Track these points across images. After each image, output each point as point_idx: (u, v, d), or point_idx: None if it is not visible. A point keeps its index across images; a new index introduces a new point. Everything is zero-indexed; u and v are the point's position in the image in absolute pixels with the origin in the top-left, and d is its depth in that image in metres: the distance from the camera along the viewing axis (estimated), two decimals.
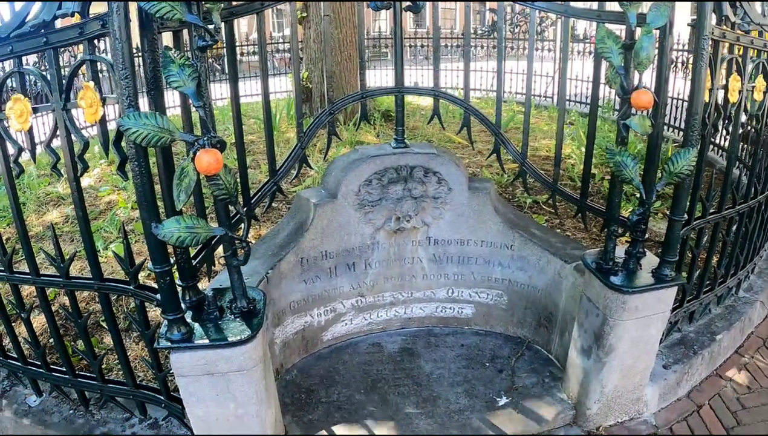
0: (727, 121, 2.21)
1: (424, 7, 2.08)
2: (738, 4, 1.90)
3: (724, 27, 1.87)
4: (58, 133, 1.74)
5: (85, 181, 4.87)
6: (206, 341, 1.60)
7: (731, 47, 2.07)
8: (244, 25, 22.31)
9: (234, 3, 1.92)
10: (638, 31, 1.65)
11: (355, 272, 2.36)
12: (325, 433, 2.02)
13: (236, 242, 1.67)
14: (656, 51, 1.75)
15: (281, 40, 13.72)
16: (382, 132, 5.25)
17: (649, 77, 1.74)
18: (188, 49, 1.64)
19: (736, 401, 2.45)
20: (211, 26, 1.49)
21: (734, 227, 2.58)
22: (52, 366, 2.11)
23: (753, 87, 2.31)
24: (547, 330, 2.39)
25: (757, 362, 2.72)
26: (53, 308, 2.26)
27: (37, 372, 2.10)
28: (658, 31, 1.74)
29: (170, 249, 1.61)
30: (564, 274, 2.22)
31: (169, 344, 1.60)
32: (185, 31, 1.87)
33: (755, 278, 3.16)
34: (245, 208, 2.12)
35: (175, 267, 1.69)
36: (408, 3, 2.05)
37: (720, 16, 1.83)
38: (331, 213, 2.21)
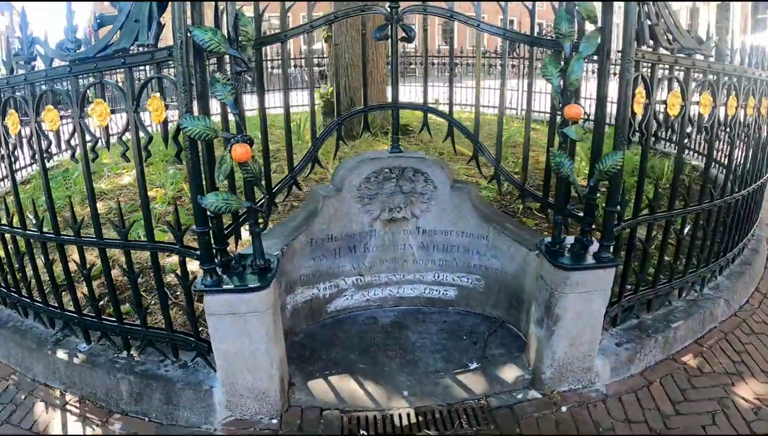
0: (670, 131, 2.69)
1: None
2: (665, 32, 2.38)
3: (647, 49, 2.35)
4: (129, 129, 2.39)
5: (125, 179, 5.66)
6: (231, 287, 2.22)
7: (671, 68, 2.57)
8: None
9: (264, 36, 2.57)
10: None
11: (356, 254, 2.92)
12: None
13: (259, 213, 2.28)
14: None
15: (316, 56, 14.57)
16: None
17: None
18: (229, 70, 2.28)
19: (687, 381, 2.87)
20: (246, 56, 2.13)
21: (688, 227, 3.04)
22: (103, 317, 2.71)
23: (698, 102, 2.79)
24: (517, 310, 2.88)
25: (713, 352, 3.13)
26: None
27: (91, 321, 2.70)
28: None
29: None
30: (528, 260, 2.73)
31: (204, 287, 2.22)
32: (227, 57, 2.53)
33: (723, 279, 3.57)
34: (267, 195, 2.72)
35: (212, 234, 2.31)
36: (403, 35, 2.65)
37: (643, 41, 2.32)
38: (337, 204, 2.80)
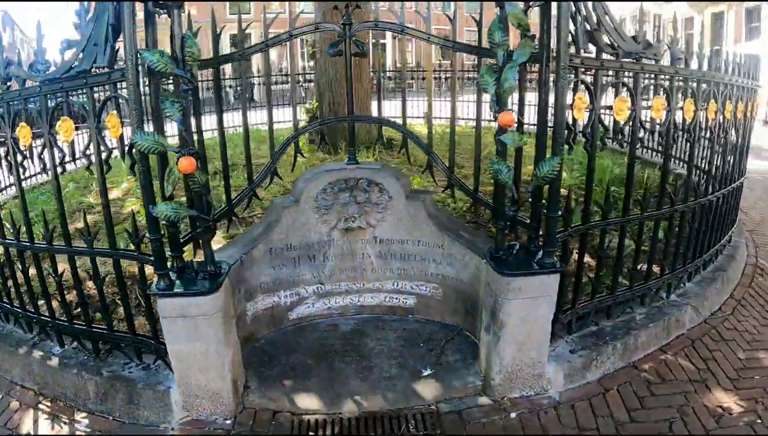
0: (621, 136, 2.72)
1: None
2: (607, 37, 2.43)
3: (587, 55, 2.41)
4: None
5: (114, 193, 5.85)
6: (181, 291, 2.36)
7: (617, 72, 2.61)
8: (273, 54, 24.64)
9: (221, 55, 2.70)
10: None
11: (315, 263, 3.01)
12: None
13: (209, 222, 2.40)
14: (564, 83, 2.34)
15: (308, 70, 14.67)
16: (381, 157, 5.88)
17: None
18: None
19: (646, 388, 2.87)
20: (191, 75, 2.27)
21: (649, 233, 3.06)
22: (74, 321, 2.85)
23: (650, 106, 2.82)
24: (473, 318, 2.93)
25: (678, 360, 3.12)
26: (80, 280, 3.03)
27: (63, 325, 2.86)
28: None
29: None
30: (481, 267, 2.78)
31: (157, 290, 2.38)
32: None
33: (693, 285, 3.56)
34: (227, 207, 2.84)
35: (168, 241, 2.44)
36: (356, 50, 2.75)
37: (581, 47, 2.38)
38: (295, 214, 2.90)
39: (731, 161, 3.84)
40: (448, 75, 11.62)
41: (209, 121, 3.19)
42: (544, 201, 2.49)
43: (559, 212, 2.47)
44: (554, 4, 2.23)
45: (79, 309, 2.83)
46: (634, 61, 2.60)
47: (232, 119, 9.09)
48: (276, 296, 3.01)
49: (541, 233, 2.53)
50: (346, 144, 6.05)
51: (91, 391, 2.73)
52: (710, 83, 3.21)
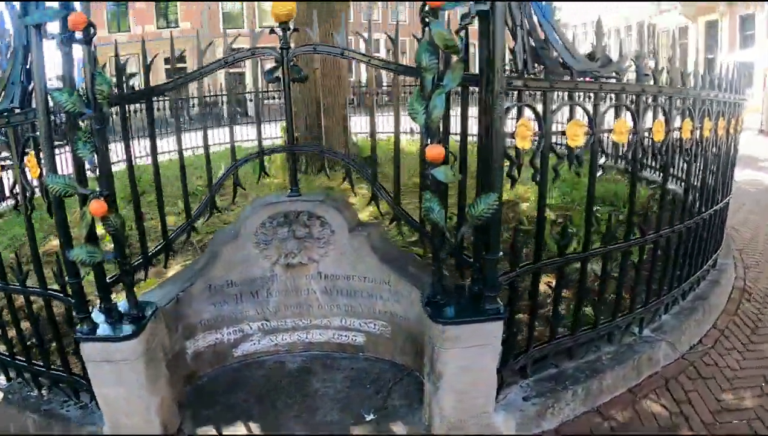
0: (578, 165, 2.32)
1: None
2: (557, 56, 2.05)
3: (530, 76, 2.04)
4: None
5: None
6: (103, 335, 2.13)
7: (570, 94, 2.23)
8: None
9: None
10: None
11: (258, 299, 2.69)
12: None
13: (124, 265, 2.13)
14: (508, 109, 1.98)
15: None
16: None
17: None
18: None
19: None
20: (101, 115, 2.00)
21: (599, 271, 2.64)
22: (15, 356, 2.59)
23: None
24: (422, 359, 2.56)
25: (648, 403, 2.69)
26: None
27: (5, 359, 2.60)
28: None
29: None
30: None
31: (79, 335, 2.14)
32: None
33: (670, 317, 3.11)
34: (164, 243, 2.55)
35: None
36: (295, 76, 2.44)
37: (524, 67, 2.00)
38: (235, 249, 2.58)
39: (714, 181, 3.40)
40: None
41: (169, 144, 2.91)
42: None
43: (500, 254, 2.11)
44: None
45: (32, 342, 2.61)
46: (593, 79, 2.22)
47: (218, 136, 8.62)
48: (218, 333, 2.70)
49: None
50: (321, 164, 5.75)
51: (30, 427, 2.49)
52: (685, 100, 2.79)
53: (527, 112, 2.13)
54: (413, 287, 2.49)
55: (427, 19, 1.85)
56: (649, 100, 2.52)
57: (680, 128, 2.79)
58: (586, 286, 2.62)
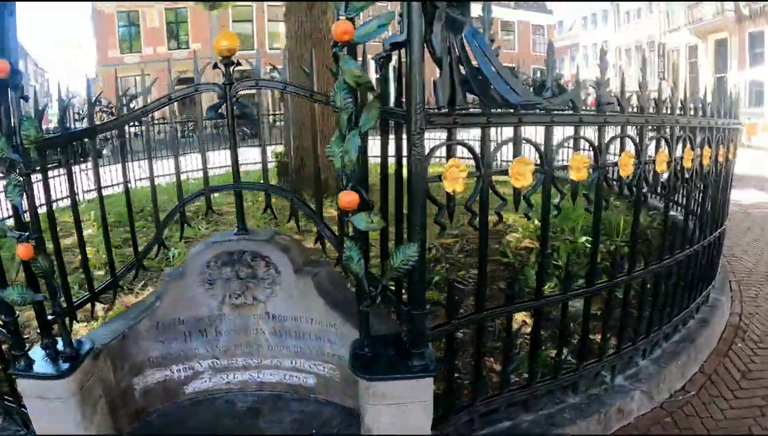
0: (530, 206, 1.95)
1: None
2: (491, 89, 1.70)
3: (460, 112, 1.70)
4: None
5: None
6: (38, 373, 1.94)
7: (516, 128, 1.86)
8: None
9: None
10: None
11: (208, 337, 2.43)
12: None
13: (56, 306, 1.93)
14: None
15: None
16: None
17: None
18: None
19: None
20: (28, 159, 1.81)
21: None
22: None
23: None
24: None
25: None
26: None
27: None
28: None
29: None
30: None
31: (15, 371, 1.98)
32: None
33: (649, 363, 2.64)
34: (112, 280, 2.33)
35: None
36: (238, 112, 2.19)
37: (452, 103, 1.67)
38: (182, 288, 2.34)
39: (701, 214, 2.94)
40: None
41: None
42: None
43: (427, 308, 1.77)
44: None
45: None
46: (544, 112, 1.86)
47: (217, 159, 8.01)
48: (168, 370, 2.45)
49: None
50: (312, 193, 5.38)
51: None
52: (661, 128, 2.38)
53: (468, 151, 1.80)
54: (359, 333, 2.17)
55: (338, 55, 1.56)
56: (616, 131, 2.14)
57: (654, 161, 2.39)
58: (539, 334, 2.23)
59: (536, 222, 4.43)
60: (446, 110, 1.66)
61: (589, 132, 2.18)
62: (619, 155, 2.17)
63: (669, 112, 2.40)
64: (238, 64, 2.18)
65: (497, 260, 3.62)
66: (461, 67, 1.64)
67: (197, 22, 23.62)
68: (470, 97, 1.69)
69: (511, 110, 1.74)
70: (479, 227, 1.82)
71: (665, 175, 2.51)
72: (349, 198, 1.61)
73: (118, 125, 2.23)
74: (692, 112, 2.71)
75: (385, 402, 1.76)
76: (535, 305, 2.07)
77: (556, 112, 1.88)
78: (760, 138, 14.90)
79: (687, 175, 2.63)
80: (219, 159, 8.22)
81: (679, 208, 2.83)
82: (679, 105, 2.50)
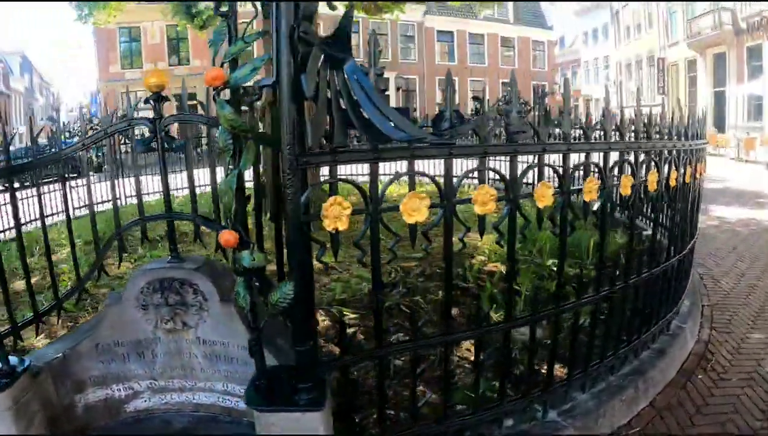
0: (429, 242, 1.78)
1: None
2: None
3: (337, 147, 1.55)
4: None
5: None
6: None
7: (410, 163, 1.71)
8: None
9: None
10: None
11: (145, 359, 2.36)
12: None
13: None
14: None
15: None
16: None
17: None
18: None
19: None
20: None
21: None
22: None
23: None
24: None
25: None
26: None
27: None
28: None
29: None
30: None
31: None
32: None
33: (589, 397, 2.36)
34: (56, 302, 2.29)
35: None
36: (167, 145, 2.12)
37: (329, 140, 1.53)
38: (119, 312, 2.28)
39: (653, 238, 2.67)
40: None
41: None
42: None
43: (310, 344, 1.63)
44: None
45: None
46: (444, 144, 1.68)
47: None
48: (109, 389, 2.38)
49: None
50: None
51: None
52: (598, 152, 2.15)
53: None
54: (276, 360, 2.05)
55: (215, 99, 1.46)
56: (533, 160, 1.95)
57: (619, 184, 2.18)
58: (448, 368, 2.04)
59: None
60: (326, 148, 1.52)
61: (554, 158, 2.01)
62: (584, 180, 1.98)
63: (603, 138, 2.17)
64: (166, 99, 2.11)
65: (455, 284, 3.40)
66: (342, 103, 1.50)
67: (198, 39, 23.30)
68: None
69: (405, 144, 1.59)
70: (372, 264, 1.66)
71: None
72: (226, 237, 1.50)
73: (33, 167, 2.20)
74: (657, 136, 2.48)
75: (275, 433, 1.63)
76: (442, 340, 1.88)
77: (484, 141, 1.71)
78: (758, 152, 13.93)
79: (641, 198, 2.40)
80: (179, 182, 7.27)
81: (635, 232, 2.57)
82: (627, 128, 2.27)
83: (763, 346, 3.14)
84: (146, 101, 2.14)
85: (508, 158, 1.85)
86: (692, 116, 2.90)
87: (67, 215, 2.31)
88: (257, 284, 1.64)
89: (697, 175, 3.08)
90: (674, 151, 2.64)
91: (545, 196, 1.87)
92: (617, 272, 2.34)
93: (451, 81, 1.64)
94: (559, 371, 2.41)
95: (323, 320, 2.89)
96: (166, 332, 2.29)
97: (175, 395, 2.42)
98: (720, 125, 19.97)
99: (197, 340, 2.28)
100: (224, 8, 1.58)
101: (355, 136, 2.51)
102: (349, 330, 2.77)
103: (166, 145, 2.10)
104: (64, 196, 2.30)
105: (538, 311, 2.05)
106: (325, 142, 1.54)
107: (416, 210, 1.61)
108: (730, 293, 3.99)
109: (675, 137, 2.63)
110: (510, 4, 28.42)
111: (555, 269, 3.63)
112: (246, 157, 1.46)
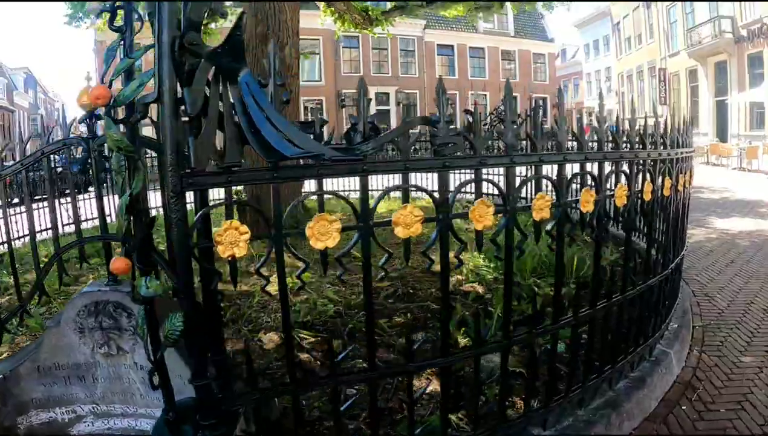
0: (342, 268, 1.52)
1: None
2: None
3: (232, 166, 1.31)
4: None
5: None
6: None
7: (320, 183, 1.45)
8: None
9: None
10: None
11: (86, 383, 2.15)
12: None
13: None
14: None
15: None
16: None
17: None
18: None
19: None
20: None
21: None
22: None
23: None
24: None
25: None
26: None
27: None
28: None
29: None
30: None
31: None
32: None
33: (552, 433, 2.04)
34: None
35: None
36: (103, 173, 1.93)
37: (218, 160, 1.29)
38: (58, 335, 2.09)
39: (627, 258, 2.31)
40: None
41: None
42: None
43: (209, 378, 1.38)
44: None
45: None
46: (351, 160, 1.40)
47: None
48: (52, 412, 2.18)
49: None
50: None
51: None
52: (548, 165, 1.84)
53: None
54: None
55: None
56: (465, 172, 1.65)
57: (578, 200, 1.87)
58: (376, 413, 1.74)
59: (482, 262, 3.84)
60: (217, 168, 1.28)
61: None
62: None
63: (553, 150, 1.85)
64: (100, 118, 1.92)
65: (426, 306, 3.08)
66: (235, 118, 1.26)
67: None
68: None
69: (312, 162, 1.33)
70: (280, 295, 1.40)
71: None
72: (117, 264, 1.29)
73: None
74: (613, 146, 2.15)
75: None
76: (365, 376, 1.59)
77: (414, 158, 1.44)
78: (761, 161, 13.01)
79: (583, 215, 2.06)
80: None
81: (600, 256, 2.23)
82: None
83: (757, 370, 2.71)
84: (81, 121, 1.95)
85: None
86: (668, 123, 2.54)
87: (8, 238, 2.14)
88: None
89: (679, 188, 2.70)
90: (648, 162, 2.29)
91: (487, 217, 1.57)
92: (576, 300, 2.00)
93: (365, 88, 1.38)
94: (519, 402, 2.08)
95: (277, 344, 2.64)
96: (104, 357, 2.08)
97: (117, 420, 2.20)
98: (722, 135, 18.91)
99: (135, 365, 2.07)
100: (118, 23, 1.36)
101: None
102: (303, 355, 2.50)
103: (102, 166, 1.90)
104: (4, 218, 2.13)
105: (510, 336, 1.74)
106: (216, 160, 1.29)
107: (325, 234, 1.35)
108: (724, 311, 3.53)
109: (649, 146, 2.28)
110: (510, 16, 27.61)
111: (536, 288, 3.32)
112: (137, 180, 1.24)
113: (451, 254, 1.55)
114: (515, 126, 1.69)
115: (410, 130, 1.43)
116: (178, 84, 1.23)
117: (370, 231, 1.40)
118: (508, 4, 11.04)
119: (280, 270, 1.38)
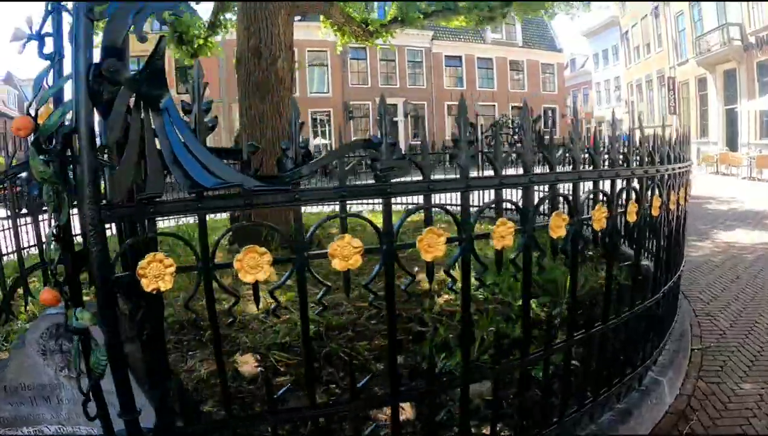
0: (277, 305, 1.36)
1: None
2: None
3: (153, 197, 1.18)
4: None
5: None
6: None
7: (245, 212, 1.30)
8: None
9: None
10: None
11: (51, 404, 2.05)
12: None
13: None
14: None
15: None
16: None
17: None
18: None
19: None
20: None
21: None
22: None
23: None
24: None
25: None
26: None
27: None
28: None
29: None
30: None
31: None
32: None
33: None
34: None
35: None
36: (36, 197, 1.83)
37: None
38: (23, 356, 2.00)
39: (607, 285, 2.08)
40: None
41: None
42: None
43: (135, 415, 1.27)
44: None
45: None
46: (278, 190, 1.23)
47: None
48: (20, 430, 2.09)
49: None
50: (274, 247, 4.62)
51: None
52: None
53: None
54: None
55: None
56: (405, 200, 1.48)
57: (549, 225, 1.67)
58: None
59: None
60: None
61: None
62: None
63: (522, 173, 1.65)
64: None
65: (409, 328, 2.87)
66: (158, 147, 1.12)
67: (206, 66, 22.45)
68: None
69: (239, 192, 1.19)
70: (211, 328, 1.25)
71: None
72: (44, 296, 1.20)
73: None
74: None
75: None
76: (329, 411, 1.42)
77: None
78: None
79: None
80: None
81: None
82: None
83: (757, 398, 2.41)
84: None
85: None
86: (659, 137, 2.29)
87: None
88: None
89: (671, 206, 2.44)
90: (634, 180, 2.06)
91: (437, 246, 1.38)
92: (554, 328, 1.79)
93: (296, 109, 1.22)
94: None
95: (255, 366, 2.48)
96: (67, 378, 1.97)
97: None
98: (732, 144, 18.03)
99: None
100: (48, 51, 1.25)
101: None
102: (279, 378, 2.34)
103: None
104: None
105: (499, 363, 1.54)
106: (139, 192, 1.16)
107: (257, 267, 1.20)
108: (726, 332, 3.21)
109: (635, 163, 2.06)
110: (518, 27, 26.95)
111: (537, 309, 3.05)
112: (63, 211, 1.12)
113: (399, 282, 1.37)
114: (502, 149, 1.52)
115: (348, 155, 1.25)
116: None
117: (305, 262, 1.24)
118: (513, 14, 10.74)
119: (209, 300, 1.23)
